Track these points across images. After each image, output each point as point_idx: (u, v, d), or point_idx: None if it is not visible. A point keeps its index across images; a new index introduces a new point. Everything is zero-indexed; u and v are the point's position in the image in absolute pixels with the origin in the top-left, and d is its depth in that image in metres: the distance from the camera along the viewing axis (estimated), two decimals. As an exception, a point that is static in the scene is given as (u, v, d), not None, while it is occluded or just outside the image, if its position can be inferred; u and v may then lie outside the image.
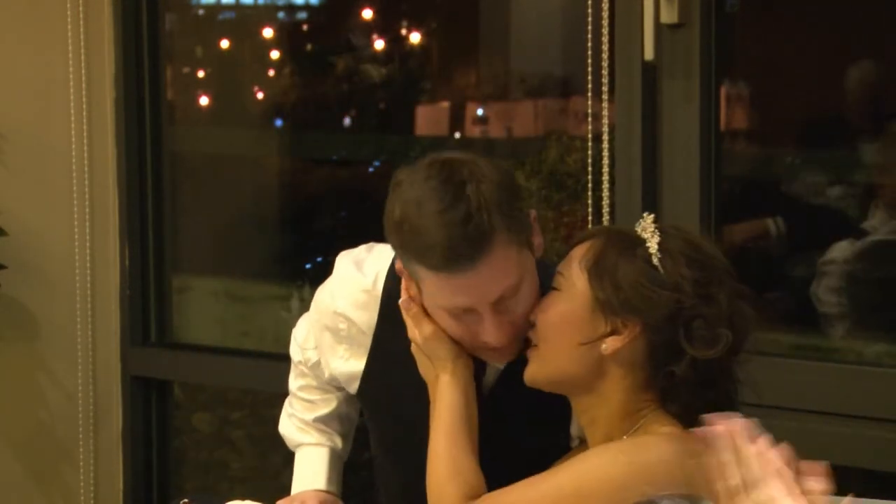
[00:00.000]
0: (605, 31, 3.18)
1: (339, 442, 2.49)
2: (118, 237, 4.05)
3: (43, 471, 4.10)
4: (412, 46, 4.16)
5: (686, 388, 2.01)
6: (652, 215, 2.10)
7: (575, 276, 2.06)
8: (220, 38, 4.42)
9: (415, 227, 2.03)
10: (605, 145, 3.24)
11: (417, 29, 4.15)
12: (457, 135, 4.10)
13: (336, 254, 2.38)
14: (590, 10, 3.20)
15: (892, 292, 3.24)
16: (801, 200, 3.45)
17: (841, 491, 1.86)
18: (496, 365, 2.21)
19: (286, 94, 4.34)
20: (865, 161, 3.36)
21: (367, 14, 4.16)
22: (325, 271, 2.38)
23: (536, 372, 2.10)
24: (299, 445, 2.51)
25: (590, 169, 3.27)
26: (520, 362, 2.13)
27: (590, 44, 3.20)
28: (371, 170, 4.29)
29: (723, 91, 3.21)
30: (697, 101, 3.10)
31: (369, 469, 2.49)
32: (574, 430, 2.21)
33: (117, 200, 4.04)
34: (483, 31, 4.16)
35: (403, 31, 4.17)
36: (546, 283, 2.12)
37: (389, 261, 2.25)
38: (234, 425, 4.37)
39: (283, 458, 3.03)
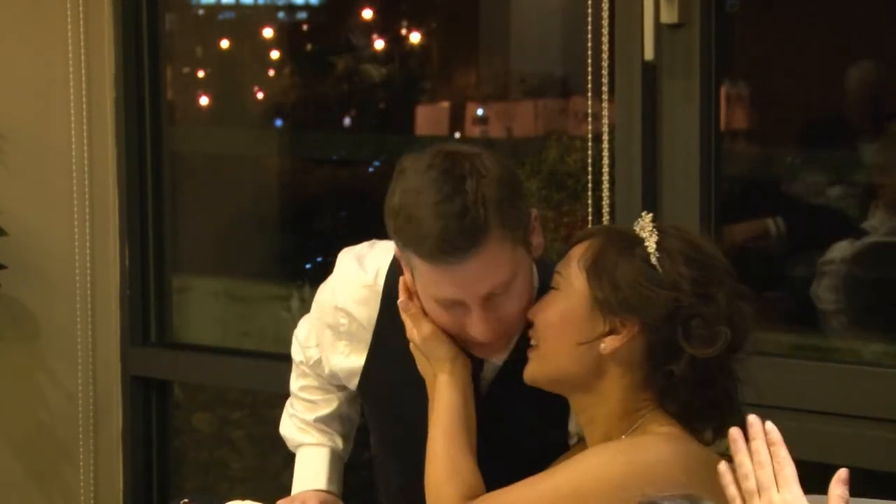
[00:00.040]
0: (605, 31, 3.18)
1: (339, 443, 2.49)
2: (118, 237, 4.05)
3: (43, 471, 4.10)
4: (412, 46, 4.16)
5: (685, 387, 2.01)
6: (650, 214, 2.10)
7: (573, 276, 2.06)
8: (220, 38, 4.42)
9: (411, 215, 2.04)
10: (605, 145, 3.24)
11: (417, 29, 4.15)
12: (457, 135, 4.09)
13: (336, 254, 2.38)
14: (590, 10, 3.20)
15: (891, 292, 3.24)
16: (801, 200, 3.45)
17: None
18: (494, 362, 2.21)
19: (286, 94, 4.34)
20: (865, 161, 3.36)
21: (367, 14, 4.16)
22: (325, 271, 2.38)
23: (536, 371, 2.10)
24: (300, 446, 2.50)
25: (590, 169, 3.27)
26: (519, 360, 2.13)
27: (590, 44, 3.20)
28: (371, 170, 4.28)
29: (723, 91, 3.21)
30: (697, 101, 3.10)
31: (369, 469, 2.49)
32: (572, 428, 2.21)
33: (117, 200, 4.04)
34: (483, 31, 4.16)
35: (403, 31, 4.17)
36: (546, 283, 2.13)
37: (391, 257, 2.25)
38: (234, 425, 4.37)
39: (283, 458, 3.03)
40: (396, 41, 4.15)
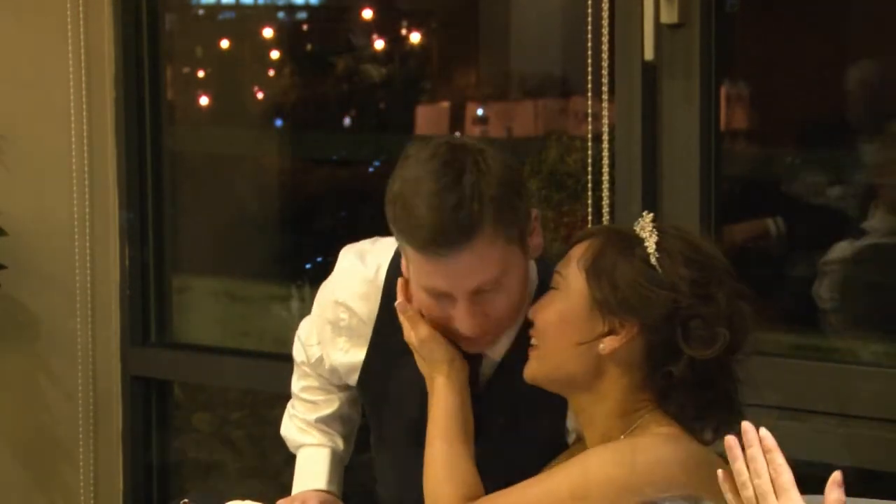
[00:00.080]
0: (605, 31, 3.18)
1: (340, 443, 2.49)
2: (118, 237, 4.05)
3: (43, 471, 4.10)
4: (412, 46, 4.16)
5: (684, 388, 2.01)
6: (651, 214, 2.10)
7: (573, 276, 2.07)
8: (220, 38, 4.42)
9: (407, 203, 2.05)
10: (605, 145, 3.24)
11: (417, 29, 4.15)
12: (457, 135, 4.09)
13: (336, 254, 2.38)
14: (590, 10, 3.20)
15: (891, 292, 3.24)
16: (801, 200, 3.44)
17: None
18: (493, 358, 2.21)
19: (286, 94, 4.34)
20: (865, 161, 3.36)
21: (367, 14, 4.16)
22: (325, 271, 2.39)
23: (536, 370, 2.10)
24: (301, 446, 2.50)
25: (590, 169, 3.27)
26: (518, 356, 2.14)
27: (590, 44, 3.20)
28: (371, 170, 4.28)
29: (723, 91, 3.21)
30: (697, 101, 3.10)
31: (369, 469, 2.49)
32: (570, 425, 2.21)
33: (117, 200, 4.04)
34: (483, 31, 4.16)
35: (403, 31, 4.17)
36: (547, 283, 2.13)
37: (392, 253, 2.26)
38: (234, 425, 4.37)
39: (283, 458, 3.03)
40: (396, 41, 4.15)
